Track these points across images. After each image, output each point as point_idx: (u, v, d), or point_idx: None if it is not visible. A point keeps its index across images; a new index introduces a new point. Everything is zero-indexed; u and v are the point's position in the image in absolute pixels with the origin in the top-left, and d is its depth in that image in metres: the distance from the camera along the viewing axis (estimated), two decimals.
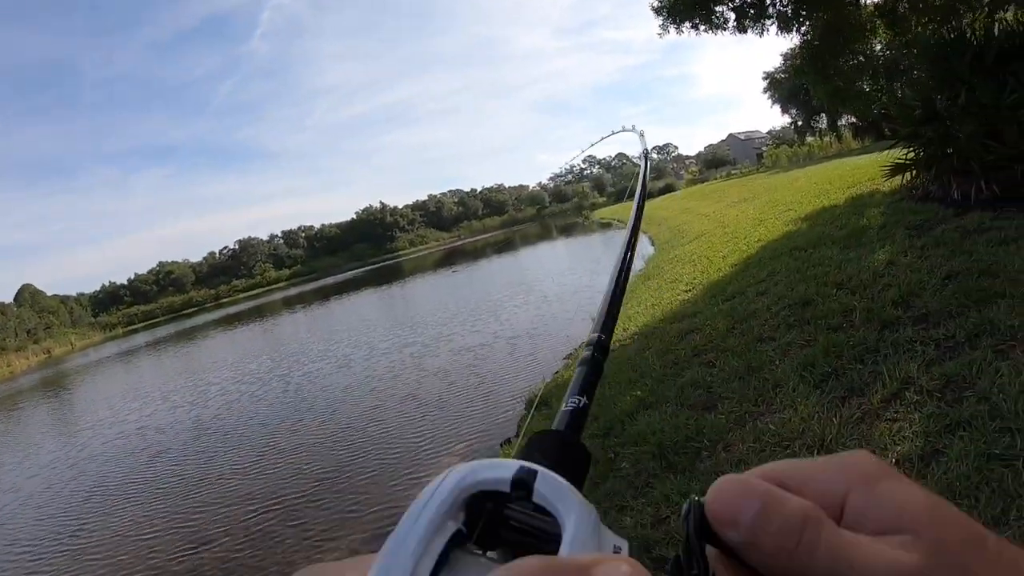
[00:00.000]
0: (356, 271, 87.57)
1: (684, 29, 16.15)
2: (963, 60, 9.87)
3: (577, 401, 0.61)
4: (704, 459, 4.96)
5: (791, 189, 21.18)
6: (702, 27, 16.03)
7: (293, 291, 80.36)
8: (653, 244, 23.37)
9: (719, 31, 16.12)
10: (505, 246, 58.53)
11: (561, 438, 0.56)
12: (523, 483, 0.40)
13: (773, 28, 16.27)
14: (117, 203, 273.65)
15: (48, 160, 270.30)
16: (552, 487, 0.39)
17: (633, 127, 2.15)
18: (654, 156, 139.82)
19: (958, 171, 9.72)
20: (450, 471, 0.40)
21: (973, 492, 3.33)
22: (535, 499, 0.39)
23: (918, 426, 4.13)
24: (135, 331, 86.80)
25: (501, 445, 8.41)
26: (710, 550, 0.40)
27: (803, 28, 16.69)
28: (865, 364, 5.23)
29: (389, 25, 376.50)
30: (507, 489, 0.40)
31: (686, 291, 11.22)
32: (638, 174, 1.31)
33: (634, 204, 1.15)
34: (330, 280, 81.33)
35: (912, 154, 11.05)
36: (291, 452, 10.50)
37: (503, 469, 0.40)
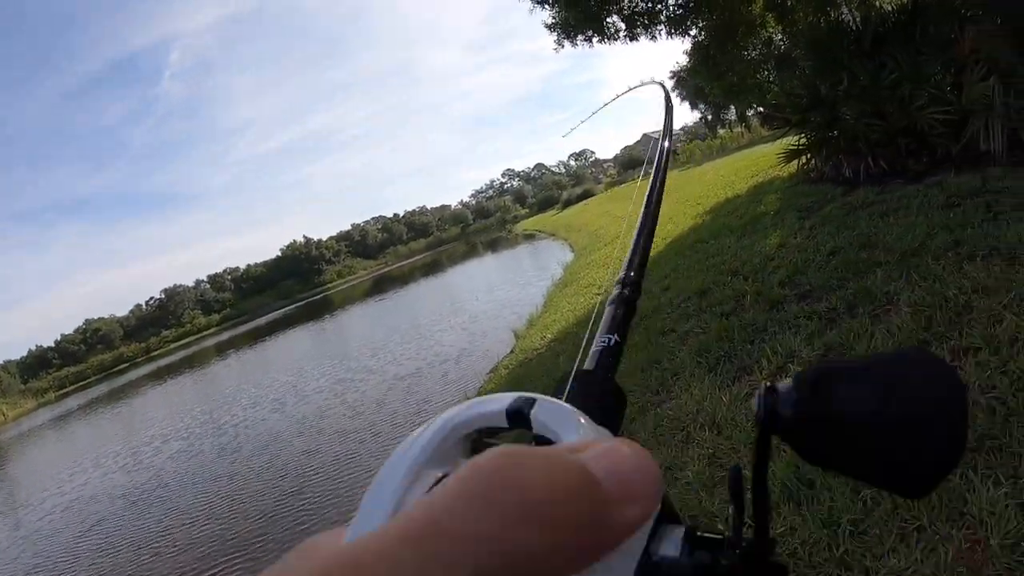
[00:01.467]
0: (286, 308, 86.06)
1: (578, 42, 16.39)
2: (842, 46, 10.29)
3: (607, 339, 0.62)
4: None
5: (701, 183, 21.69)
6: (595, 39, 16.28)
7: (225, 335, 78.44)
8: (572, 250, 23.63)
9: (612, 41, 16.42)
10: (433, 268, 58.24)
11: (591, 376, 0.55)
12: (519, 413, 0.38)
13: (664, 33, 16.60)
14: (36, 262, 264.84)
15: None
16: (551, 413, 0.37)
17: (652, 79, 2.12)
18: (571, 164, 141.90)
19: (847, 151, 10.12)
20: (441, 413, 0.39)
21: None
22: (535, 428, 0.37)
23: None
24: (67, 394, 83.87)
25: None
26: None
27: (693, 31, 17.08)
28: (754, 344, 5.43)
29: (300, 55, 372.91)
30: (504, 423, 0.39)
31: (598, 295, 11.37)
32: (666, 123, 1.36)
33: (660, 143, 1.15)
34: (261, 320, 79.67)
35: (803, 139, 11.42)
36: (222, 509, 10.20)
37: (497, 403, 0.39)
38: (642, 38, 16.48)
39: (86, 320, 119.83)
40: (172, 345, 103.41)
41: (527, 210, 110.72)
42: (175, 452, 15.69)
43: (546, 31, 16.41)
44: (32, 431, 45.72)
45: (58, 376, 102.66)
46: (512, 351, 11.36)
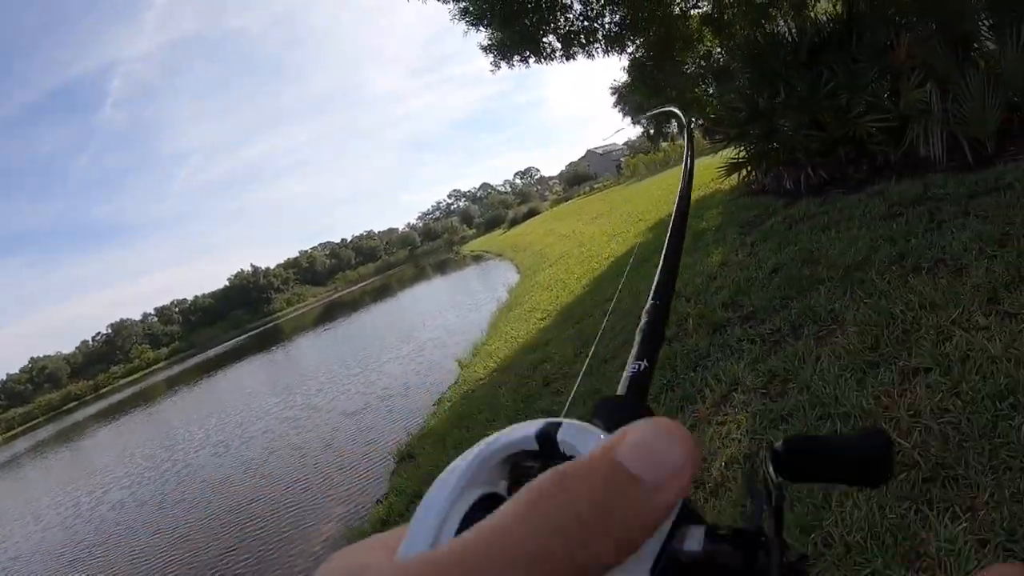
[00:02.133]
0: (237, 339, 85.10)
1: (515, 63, 16.21)
2: (779, 58, 10.18)
3: (638, 366, 0.62)
4: None
5: (644, 198, 21.67)
6: (531, 59, 16.12)
7: (175, 369, 77.22)
8: (518, 271, 23.40)
9: (549, 61, 16.26)
10: (382, 293, 57.78)
11: (623, 403, 0.54)
12: (547, 436, 0.39)
13: (601, 51, 16.49)
14: None
15: None
16: (576, 434, 0.38)
17: (666, 106, 2.34)
18: (517, 182, 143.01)
19: (786, 162, 10.02)
20: (480, 441, 0.39)
21: (797, 484, 3.22)
22: (561, 449, 0.38)
23: (746, 425, 4.11)
24: (15, 436, 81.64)
25: (377, 502, 8.06)
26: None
27: (630, 48, 17.00)
28: (697, 371, 5.21)
29: (241, 81, 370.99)
30: (534, 446, 0.39)
31: (541, 319, 11.15)
32: (686, 146, 1.35)
33: (683, 170, 1.13)
34: (211, 352, 78.65)
35: (743, 152, 11.31)
36: (171, 557, 9.84)
37: (528, 428, 0.40)
38: (579, 56, 16.37)
39: (31, 359, 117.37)
40: (121, 381, 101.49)
41: (474, 230, 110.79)
42: (117, 502, 15.07)
43: (481, 53, 16.20)
44: None
45: (4, 418, 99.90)
46: (457, 382, 11.07)
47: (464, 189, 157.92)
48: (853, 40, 9.23)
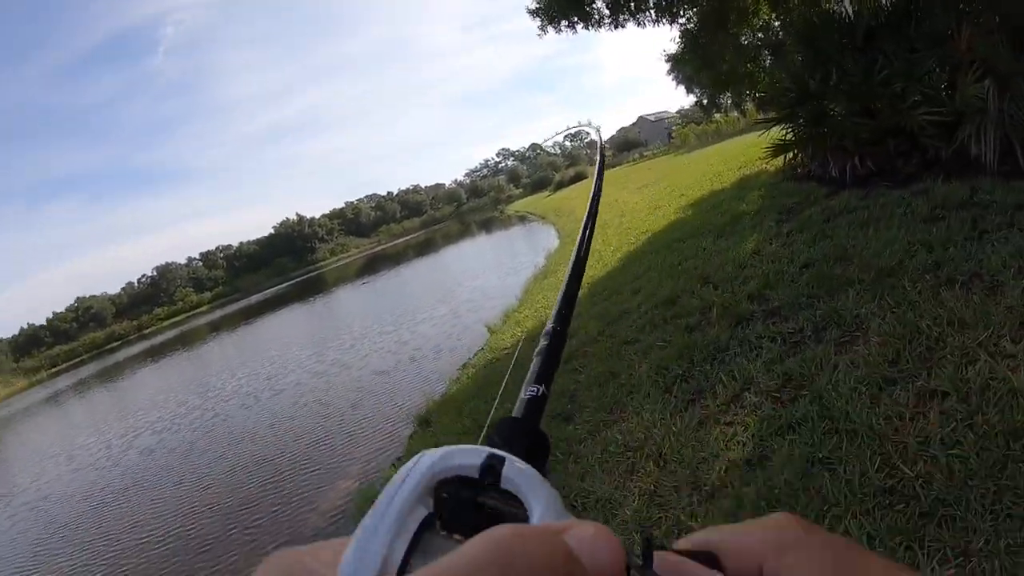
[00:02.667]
0: (279, 287, 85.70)
1: (562, 28, 15.96)
2: (833, 40, 9.83)
3: (536, 390, 0.62)
4: (556, 472, 4.72)
5: (690, 172, 21.30)
6: (579, 25, 15.86)
7: (217, 314, 77.96)
8: (558, 236, 23.25)
9: (597, 27, 16.00)
10: (425, 248, 57.81)
11: (521, 425, 0.57)
12: (492, 469, 0.40)
13: (651, 20, 16.16)
14: (27, 240, 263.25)
15: None
16: (519, 473, 0.40)
17: (589, 122, 2.39)
18: (567, 144, 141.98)
19: (834, 149, 9.70)
20: (423, 455, 0.40)
21: (793, 499, 3.20)
22: (503, 485, 0.40)
23: (752, 430, 4.00)
24: (59, 373, 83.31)
25: (392, 465, 8.17)
26: None
27: (682, 18, 16.63)
28: (713, 365, 5.08)
29: (295, 31, 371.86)
30: (476, 475, 0.40)
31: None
32: (595, 170, 1.38)
33: (590, 197, 1.16)
34: (253, 299, 79.22)
35: (791, 134, 11.00)
36: (191, 507, 10.01)
37: (473, 455, 0.41)
38: (629, 24, 16.05)
39: (78, 298, 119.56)
40: (164, 323, 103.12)
41: (521, 190, 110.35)
42: (145, 448, 15.37)
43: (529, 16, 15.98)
44: (17, 414, 45.52)
45: (50, 355, 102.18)
46: (483, 348, 11.08)
47: (513, 148, 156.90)
48: (912, 26, 8.86)
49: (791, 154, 11.29)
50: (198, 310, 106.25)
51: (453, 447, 0.42)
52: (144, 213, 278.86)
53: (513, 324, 11.20)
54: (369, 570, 0.33)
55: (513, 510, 0.38)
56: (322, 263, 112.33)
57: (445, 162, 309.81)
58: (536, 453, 0.53)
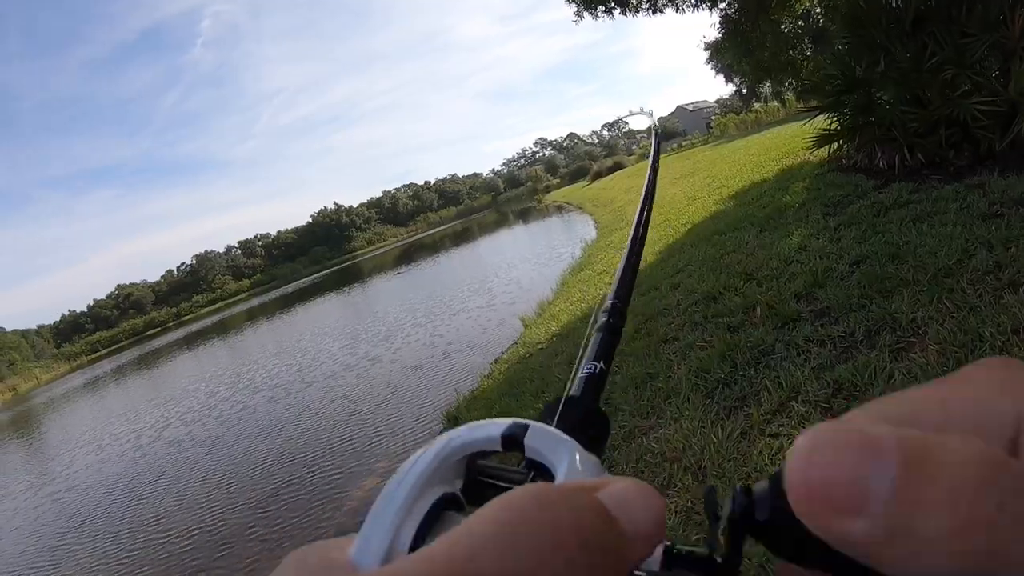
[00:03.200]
0: (316, 275, 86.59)
1: (598, 15, 15.66)
2: (880, 25, 9.44)
3: (593, 367, 0.62)
4: None
5: (730, 162, 20.78)
6: (616, 11, 15.54)
7: (255, 301, 79.01)
8: (596, 227, 22.98)
9: (634, 13, 15.67)
10: (463, 237, 57.72)
11: (577, 403, 0.56)
12: (513, 439, 0.39)
13: (690, 7, 15.81)
14: (67, 229, 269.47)
15: None
16: (543, 439, 0.39)
17: (641, 109, 2.34)
18: (604, 134, 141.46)
19: (882, 140, 9.34)
20: (439, 436, 0.40)
21: None
22: (527, 454, 0.39)
23: None
24: (100, 358, 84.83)
25: None
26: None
27: (722, 4, 16.25)
28: (758, 369, 4.80)
29: (329, 24, 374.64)
30: (498, 447, 0.40)
31: (608, 284, 10.73)
32: (651, 151, 1.38)
33: (647, 176, 1.17)
34: (290, 288, 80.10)
35: (836, 123, 10.63)
36: (214, 502, 10.09)
37: (493, 428, 0.40)
38: (667, 10, 15.71)
39: (118, 285, 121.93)
40: (203, 310, 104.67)
41: (558, 180, 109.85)
42: (174, 439, 15.49)
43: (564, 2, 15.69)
44: (57, 398, 46.49)
45: (90, 340, 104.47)
46: (517, 342, 10.87)
47: (550, 138, 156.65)
48: (963, 10, 8.45)
49: (836, 144, 10.89)
50: (236, 298, 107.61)
51: (475, 423, 0.40)
52: (182, 202, 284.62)
53: (548, 318, 10.96)
54: (376, 552, 0.32)
55: (521, 476, 0.38)
56: (359, 252, 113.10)
57: (482, 152, 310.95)
58: (594, 433, 0.52)
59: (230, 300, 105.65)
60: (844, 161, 10.73)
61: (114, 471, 14.42)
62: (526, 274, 19.74)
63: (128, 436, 18.12)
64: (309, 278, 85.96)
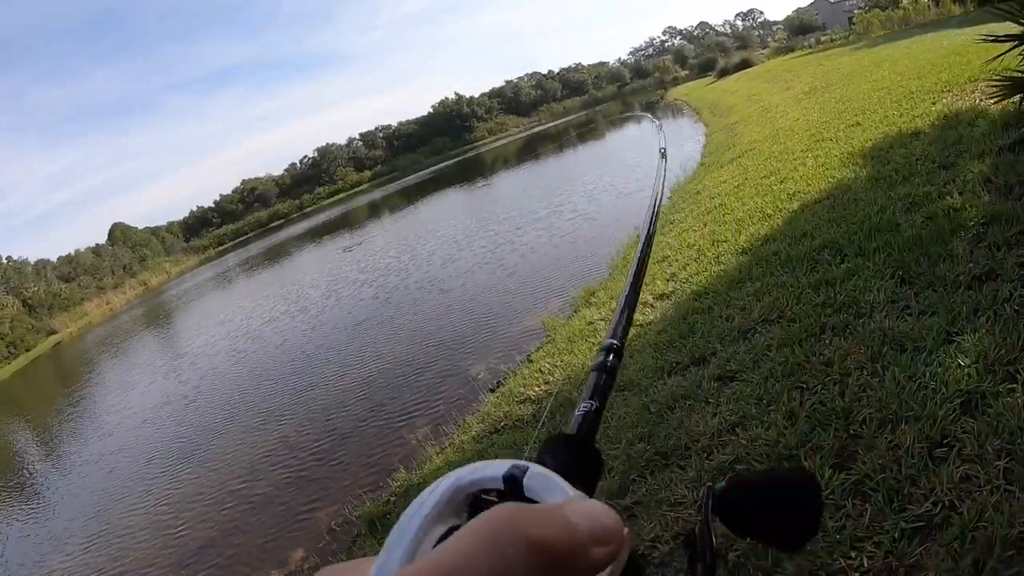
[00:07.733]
0: (437, 166, 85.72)
1: None
2: None
3: (589, 405, 0.65)
4: None
5: (870, 81, 17.16)
6: None
7: (376, 194, 78.84)
8: (702, 150, 20.07)
9: None
10: (587, 132, 54.61)
11: (572, 441, 0.59)
12: (513, 479, 0.43)
13: None
14: (195, 129, 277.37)
15: (123, 100, 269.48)
16: (541, 481, 0.42)
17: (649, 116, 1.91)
18: (737, 24, 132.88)
19: None
20: (448, 474, 0.43)
21: None
22: (525, 493, 0.42)
23: None
24: (227, 251, 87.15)
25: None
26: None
27: None
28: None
29: None
30: (501, 486, 0.43)
31: (686, 266, 8.07)
32: (654, 185, 1.43)
33: (642, 234, 1.15)
34: (411, 179, 79.73)
35: None
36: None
37: (495, 468, 0.43)
38: None
39: (243, 180, 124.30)
40: (324, 202, 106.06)
41: (687, 71, 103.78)
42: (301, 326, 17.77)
43: None
44: (189, 290, 48.61)
45: (217, 234, 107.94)
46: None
47: (680, 27, 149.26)
48: None
49: None
50: (357, 189, 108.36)
51: (479, 463, 0.44)
52: (304, 98, 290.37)
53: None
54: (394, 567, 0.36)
55: None
56: (480, 142, 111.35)
57: (608, 38, 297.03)
58: (587, 470, 0.54)
59: (352, 191, 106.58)
60: None
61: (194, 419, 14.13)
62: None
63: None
64: (430, 169, 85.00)
